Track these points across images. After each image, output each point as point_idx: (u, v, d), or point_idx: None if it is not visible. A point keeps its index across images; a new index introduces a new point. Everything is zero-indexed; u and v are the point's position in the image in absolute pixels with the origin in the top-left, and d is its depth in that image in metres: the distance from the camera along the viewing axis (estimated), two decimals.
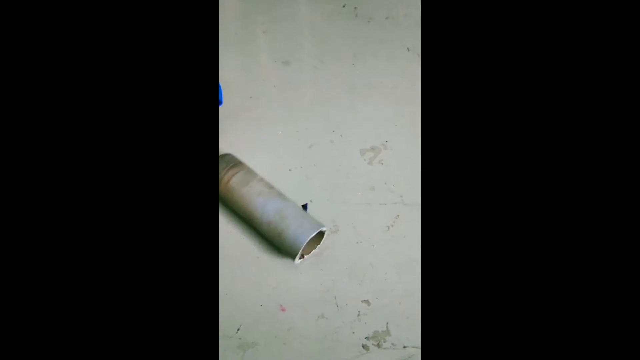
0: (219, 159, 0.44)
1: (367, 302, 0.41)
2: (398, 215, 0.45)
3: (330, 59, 0.57)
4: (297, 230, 0.40)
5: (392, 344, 0.39)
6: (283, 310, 0.41)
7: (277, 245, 0.42)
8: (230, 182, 0.42)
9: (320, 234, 0.42)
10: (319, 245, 0.43)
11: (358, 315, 0.40)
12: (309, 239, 0.40)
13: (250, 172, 0.43)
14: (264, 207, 0.41)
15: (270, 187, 0.43)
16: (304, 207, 0.46)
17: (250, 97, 0.53)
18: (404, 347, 0.39)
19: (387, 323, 0.40)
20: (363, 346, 0.39)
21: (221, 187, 0.43)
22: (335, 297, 0.41)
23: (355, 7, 0.61)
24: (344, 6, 0.61)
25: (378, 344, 0.39)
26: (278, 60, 0.56)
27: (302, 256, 0.42)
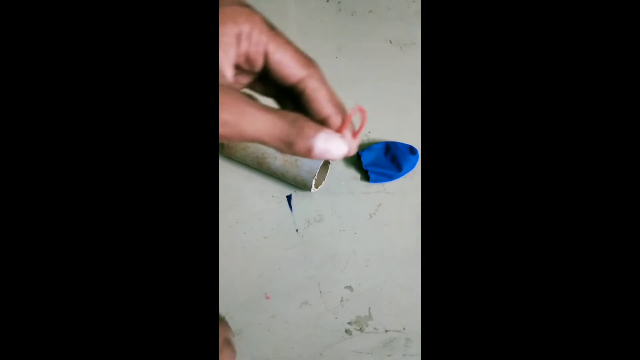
0: None
1: (349, 288, 0.42)
2: (380, 204, 0.46)
3: (314, 53, 0.57)
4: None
5: (375, 328, 0.40)
6: (267, 298, 0.42)
7: (293, 175, 0.43)
8: None
9: (326, 168, 0.45)
10: (326, 176, 0.46)
11: (341, 301, 0.41)
12: (323, 161, 0.43)
13: None
14: None
15: None
16: (288, 198, 0.46)
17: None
18: (386, 331, 0.40)
19: (369, 308, 0.41)
20: (346, 331, 0.40)
21: None
22: (318, 284, 0.42)
23: (339, 2, 0.61)
24: (327, 1, 0.62)
25: (361, 328, 0.40)
26: None
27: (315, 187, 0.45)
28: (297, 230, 0.45)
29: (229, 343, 0.34)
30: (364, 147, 0.48)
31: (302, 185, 0.44)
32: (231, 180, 0.47)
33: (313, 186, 0.43)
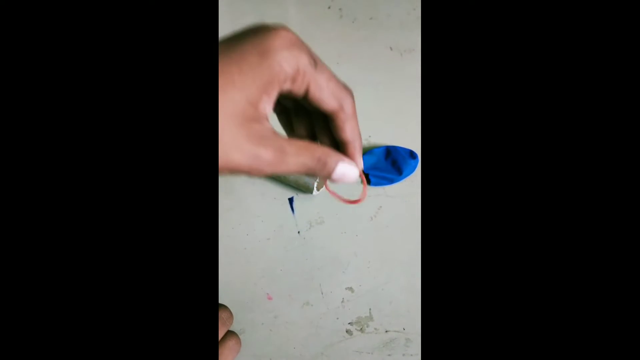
0: None
1: (350, 289, 0.42)
2: (381, 207, 0.46)
3: None
4: None
5: (375, 328, 0.40)
6: (270, 298, 0.42)
7: (295, 178, 0.45)
8: None
9: None
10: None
11: (342, 301, 0.42)
12: None
13: None
14: None
15: None
16: (290, 201, 0.47)
17: None
18: (386, 331, 0.40)
19: (370, 309, 0.41)
20: (347, 331, 0.40)
21: None
22: (320, 285, 0.42)
23: (340, 8, 0.62)
24: (329, 7, 0.63)
25: (361, 329, 0.41)
26: None
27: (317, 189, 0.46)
28: (298, 232, 0.45)
29: (233, 333, 0.35)
30: (364, 151, 0.49)
31: (304, 188, 0.45)
32: (233, 183, 0.48)
33: (315, 189, 0.44)
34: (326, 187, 0.31)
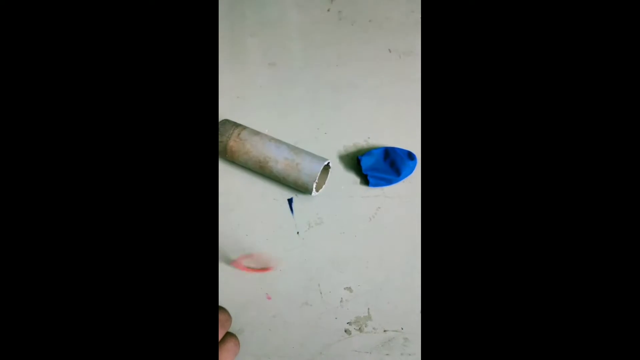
0: (224, 122, 0.49)
1: (349, 289, 0.42)
2: (379, 207, 0.47)
3: (315, 61, 0.59)
4: (312, 161, 0.45)
5: (373, 328, 0.41)
6: (269, 298, 0.42)
7: (294, 179, 0.45)
8: (241, 134, 0.47)
9: (326, 172, 0.47)
10: (327, 180, 0.48)
11: (341, 301, 0.42)
12: (324, 164, 0.45)
13: (255, 130, 0.49)
14: (278, 147, 0.46)
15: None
16: (290, 202, 0.47)
17: (237, 97, 0.55)
18: (385, 331, 0.41)
19: (368, 309, 0.42)
20: (345, 331, 0.41)
21: (231, 141, 0.47)
22: (319, 285, 0.43)
23: (340, 11, 0.63)
24: (328, 10, 0.63)
25: (360, 328, 0.41)
26: (264, 62, 0.58)
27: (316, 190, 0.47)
28: (297, 232, 0.46)
29: (232, 334, 0.36)
30: (363, 152, 0.50)
31: (303, 189, 0.45)
32: (233, 184, 0.48)
33: (314, 190, 0.45)
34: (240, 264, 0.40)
